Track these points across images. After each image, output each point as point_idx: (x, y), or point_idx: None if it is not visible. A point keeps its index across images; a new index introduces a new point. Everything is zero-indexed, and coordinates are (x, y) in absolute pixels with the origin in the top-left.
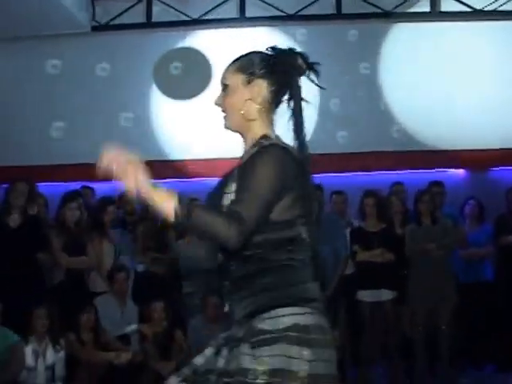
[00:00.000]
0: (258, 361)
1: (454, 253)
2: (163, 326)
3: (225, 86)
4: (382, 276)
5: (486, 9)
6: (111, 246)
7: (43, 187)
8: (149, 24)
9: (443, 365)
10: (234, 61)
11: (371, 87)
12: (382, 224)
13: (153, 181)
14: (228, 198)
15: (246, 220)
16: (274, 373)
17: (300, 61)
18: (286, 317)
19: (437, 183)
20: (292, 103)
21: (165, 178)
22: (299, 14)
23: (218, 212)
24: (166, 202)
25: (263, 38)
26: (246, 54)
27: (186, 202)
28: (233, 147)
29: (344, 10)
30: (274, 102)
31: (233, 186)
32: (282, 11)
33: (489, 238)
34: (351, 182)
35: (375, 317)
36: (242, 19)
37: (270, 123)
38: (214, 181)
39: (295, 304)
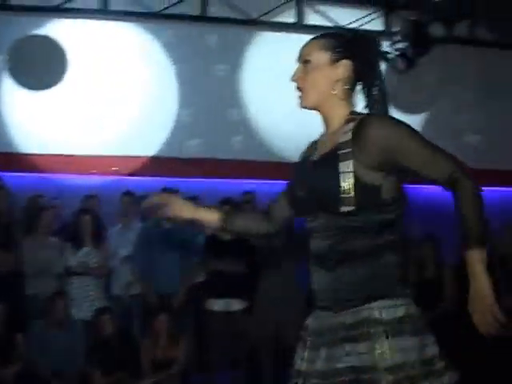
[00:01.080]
0: (379, 356)
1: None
2: (2, 329)
3: (306, 62)
4: (233, 285)
5: (349, 26)
6: None
7: None
8: (5, 6)
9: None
10: (318, 38)
11: (229, 95)
12: None
13: None
14: (346, 177)
15: (458, 165)
16: (397, 368)
17: (379, 46)
18: (399, 307)
19: None
20: (375, 87)
21: (14, 171)
22: (165, 12)
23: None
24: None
25: (125, 34)
26: (330, 33)
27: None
28: (86, 142)
29: (210, 13)
30: (356, 84)
31: (346, 166)
32: (148, 8)
33: None
34: (204, 188)
35: (224, 326)
36: (105, 12)
37: (352, 104)
38: (67, 177)
39: (404, 294)
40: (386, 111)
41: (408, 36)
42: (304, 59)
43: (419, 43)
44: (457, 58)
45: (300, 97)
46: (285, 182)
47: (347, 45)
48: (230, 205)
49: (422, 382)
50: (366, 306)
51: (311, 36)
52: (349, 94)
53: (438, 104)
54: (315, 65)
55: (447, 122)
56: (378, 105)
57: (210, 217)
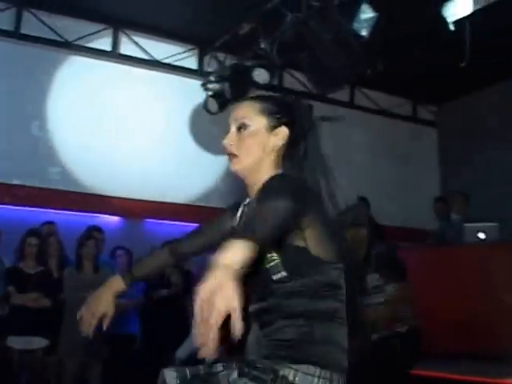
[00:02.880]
0: None
1: None
2: None
3: (242, 126)
4: (36, 322)
5: (164, 60)
6: None
7: None
8: None
9: None
10: (253, 100)
11: (33, 120)
12: (40, 266)
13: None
14: None
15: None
16: None
17: (313, 114)
18: (314, 377)
19: (97, 228)
20: (310, 155)
21: None
22: None
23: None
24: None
25: None
26: (264, 96)
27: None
28: None
29: (24, 31)
30: (289, 151)
31: None
32: None
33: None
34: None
35: (24, 365)
36: None
37: (278, 169)
38: None
39: (327, 367)
40: (327, 177)
41: (226, 78)
42: (240, 123)
43: (238, 86)
44: None
45: (232, 161)
46: (86, 212)
47: (285, 110)
48: (36, 237)
49: None
50: (284, 364)
51: (125, 66)
52: (279, 161)
53: None
54: (254, 130)
55: None
56: (313, 172)
57: (120, 286)
